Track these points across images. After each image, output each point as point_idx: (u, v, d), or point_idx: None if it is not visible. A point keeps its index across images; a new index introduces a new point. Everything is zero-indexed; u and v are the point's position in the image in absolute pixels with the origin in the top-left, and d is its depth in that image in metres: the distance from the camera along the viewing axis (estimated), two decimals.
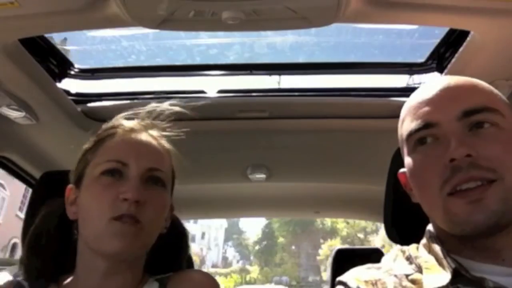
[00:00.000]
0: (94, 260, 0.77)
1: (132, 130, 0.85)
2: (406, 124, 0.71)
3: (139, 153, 0.80)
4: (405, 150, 0.73)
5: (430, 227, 0.75)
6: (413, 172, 0.70)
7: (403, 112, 0.74)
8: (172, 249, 0.91)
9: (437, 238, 0.71)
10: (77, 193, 0.81)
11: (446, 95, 0.68)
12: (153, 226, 0.77)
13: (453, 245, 0.68)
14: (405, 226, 0.94)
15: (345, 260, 1.89)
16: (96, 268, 0.78)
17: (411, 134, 0.69)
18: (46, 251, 0.81)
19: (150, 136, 0.85)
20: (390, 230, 0.97)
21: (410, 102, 0.73)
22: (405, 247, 0.76)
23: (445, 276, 0.63)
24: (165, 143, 0.87)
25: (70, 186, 0.84)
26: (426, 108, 0.68)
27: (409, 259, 0.73)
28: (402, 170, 0.76)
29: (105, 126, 0.87)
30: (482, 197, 0.61)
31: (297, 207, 2.74)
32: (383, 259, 0.77)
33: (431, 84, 0.72)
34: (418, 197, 0.72)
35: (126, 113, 0.89)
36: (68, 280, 0.82)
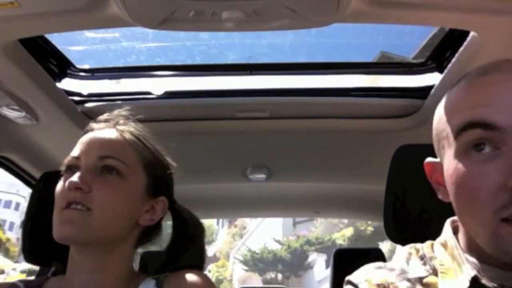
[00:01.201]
0: (77, 254, 0.80)
1: (98, 128, 0.87)
2: (456, 119, 0.60)
3: (91, 145, 0.83)
4: (449, 151, 0.62)
5: (448, 225, 0.70)
6: (460, 182, 0.59)
7: (448, 104, 0.64)
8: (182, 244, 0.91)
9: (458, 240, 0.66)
10: None
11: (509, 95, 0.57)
12: (106, 213, 0.78)
13: (480, 256, 0.62)
14: (404, 227, 0.94)
15: (345, 260, 1.89)
16: (81, 263, 0.80)
17: (464, 130, 0.57)
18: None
19: (116, 130, 0.86)
20: (389, 230, 0.97)
21: (455, 93, 0.64)
22: (419, 245, 0.72)
23: (462, 283, 0.60)
24: (129, 135, 0.86)
25: None
26: (484, 106, 0.57)
27: (423, 258, 0.69)
28: (430, 159, 0.68)
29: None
30: None
31: (297, 207, 2.74)
32: (395, 258, 0.73)
33: (484, 78, 0.61)
34: (460, 209, 0.62)
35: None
36: (62, 279, 0.84)
